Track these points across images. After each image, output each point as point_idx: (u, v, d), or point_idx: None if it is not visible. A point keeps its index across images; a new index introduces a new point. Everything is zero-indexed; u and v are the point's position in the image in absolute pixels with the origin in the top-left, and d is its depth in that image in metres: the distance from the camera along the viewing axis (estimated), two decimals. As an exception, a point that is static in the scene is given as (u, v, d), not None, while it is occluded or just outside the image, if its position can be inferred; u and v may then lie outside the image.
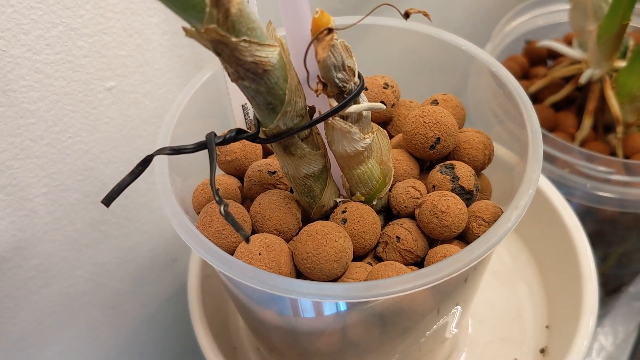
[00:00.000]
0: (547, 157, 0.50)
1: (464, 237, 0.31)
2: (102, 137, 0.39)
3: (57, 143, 0.37)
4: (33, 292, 0.41)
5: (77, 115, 0.37)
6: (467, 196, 0.31)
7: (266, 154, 0.35)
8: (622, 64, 0.52)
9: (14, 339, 0.41)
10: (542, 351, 0.41)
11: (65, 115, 0.36)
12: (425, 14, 0.24)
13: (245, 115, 0.36)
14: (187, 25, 0.22)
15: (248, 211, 0.30)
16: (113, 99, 0.39)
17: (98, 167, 0.40)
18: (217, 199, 0.24)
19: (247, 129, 0.37)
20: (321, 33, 0.24)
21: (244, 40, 0.22)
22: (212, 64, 0.35)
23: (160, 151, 0.26)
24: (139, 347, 0.53)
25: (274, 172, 0.32)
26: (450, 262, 0.25)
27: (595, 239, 0.51)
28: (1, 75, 0.32)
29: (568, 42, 0.61)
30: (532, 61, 0.62)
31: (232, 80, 0.24)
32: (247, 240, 0.22)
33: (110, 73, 0.38)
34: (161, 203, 0.47)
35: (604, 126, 0.55)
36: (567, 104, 0.57)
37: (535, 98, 0.58)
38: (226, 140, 0.26)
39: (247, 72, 0.23)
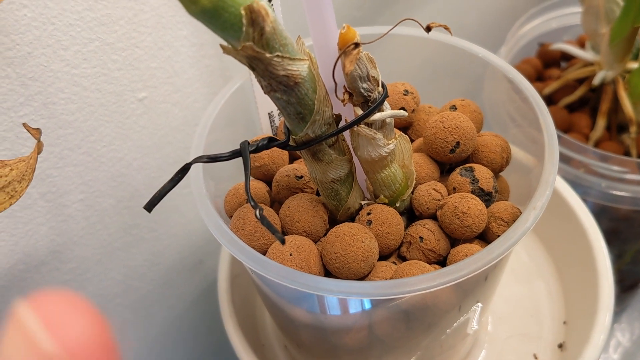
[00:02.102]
0: (563, 158, 0.51)
1: (484, 237, 0.32)
2: (134, 145, 0.41)
3: (93, 151, 0.39)
4: (69, 294, 0.43)
5: (111, 125, 0.39)
6: (487, 197, 0.32)
7: (292, 159, 0.37)
8: (634, 65, 0.53)
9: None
10: (560, 346, 0.42)
11: (101, 125, 0.38)
12: (446, 28, 0.26)
13: (271, 123, 0.38)
14: (224, 43, 0.24)
15: (277, 214, 0.32)
16: (145, 108, 0.40)
17: (131, 173, 0.42)
18: (252, 203, 0.25)
19: (274, 135, 0.38)
20: (348, 47, 0.25)
21: (277, 56, 0.24)
22: (240, 74, 0.36)
23: (198, 159, 0.27)
24: (169, 346, 0.55)
25: (301, 177, 0.34)
26: (472, 260, 0.26)
27: (611, 237, 0.52)
28: (42, 89, 0.34)
29: (581, 44, 0.62)
30: (545, 63, 0.64)
31: (265, 93, 0.26)
32: (283, 242, 0.23)
33: (142, 84, 0.39)
34: (189, 207, 0.49)
35: (618, 126, 0.56)
36: (581, 105, 0.58)
37: (550, 100, 0.59)
38: (259, 148, 0.28)
39: (279, 85, 0.25)
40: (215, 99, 0.35)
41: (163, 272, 0.50)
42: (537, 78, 0.63)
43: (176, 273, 0.52)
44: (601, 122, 0.55)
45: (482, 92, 0.48)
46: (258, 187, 0.34)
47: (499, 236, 0.28)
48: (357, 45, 0.25)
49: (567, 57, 0.63)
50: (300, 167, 0.34)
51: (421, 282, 0.26)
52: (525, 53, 0.63)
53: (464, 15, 0.75)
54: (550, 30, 0.64)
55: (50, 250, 0.40)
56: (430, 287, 0.26)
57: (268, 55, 0.24)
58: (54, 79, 0.34)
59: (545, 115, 0.32)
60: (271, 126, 0.38)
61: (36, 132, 0.30)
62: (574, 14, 0.63)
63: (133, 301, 0.49)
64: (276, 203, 0.35)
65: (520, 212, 0.31)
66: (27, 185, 0.27)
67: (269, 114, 0.37)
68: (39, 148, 0.29)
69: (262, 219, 0.24)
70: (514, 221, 0.29)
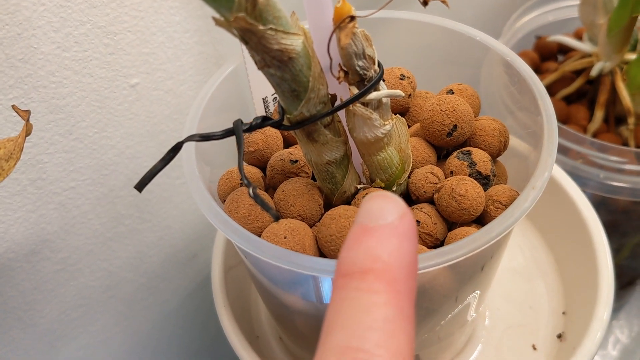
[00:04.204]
0: (560, 149, 0.51)
1: (482, 221, 0.32)
2: (126, 132, 0.41)
3: (85, 138, 0.38)
4: (60, 285, 0.42)
5: (103, 111, 0.38)
6: (484, 181, 0.32)
7: (287, 144, 0.36)
8: (632, 56, 0.53)
9: (42, 332, 0.43)
10: (559, 337, 0.42)
11: (92, 111, 0.38)
12: (443, 1, 0.25)
13: (265, 109, 0.37)
14: (216, 15, 0.23)
15: (272, 199, 0.31)
16: (137, 95, 0.40)
17: (123, 162, 0.41)
18: (245, 182, 0.25)
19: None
20: (343, 21, 0.25)
21: (271, 29, 0.23)
22: (233, 58, 0.36)
23: (190, 138, 0.27)
24: (164, 341, 0.54)
25: (296, 161, 0.33)
26: (471, 240, 0.26)
27: (609, 230, 0.51)
28: (32, 72, 0.33)
29: (578, 37, 0.62)
30: (542, 56, 0.63)
31: (259, 68, 0.25)
32: (277, 219, 0.23)
33: (135, 70, 0.39)
34: (183, 199, 0.48)
35: (616, 118, 0.56)
36: (578, 97, 0.58)
37: (547, 92, 0.59)
38: (252, 127, 0.27)
39: (272, 60, 0.24)
40: (207, 82, 0.34)
41: (157, 265, 0.50)
42: (535, 71, 0.62)
43: (170, 266, 0.51)
44: (599, 114, 0.54)
45: (479, 81, 0.48)
46: (252, 172, 0.34)
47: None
48: (352, 18, 0.25)
49: (564, 50, 0.63)
50: (295, 151, 0.34)
51: (420, 262, 0.25)
52: (522, 46, 0.63)
53: (460, 8, 0.75)
54: (547, 23, 0.64)
55: (41, 239, 0.39)
56: (429, 267, 0.25)
57: (261, 27, 0.23)
58: (44, 62, 0.34)
59: (543, 97, 0.32)
60: (265, 112, 0.37)
61: (25, 114, 0.29)
62: (570, 7, 0.63)
63: (126, 294, 0.48)
64: (270, 189, 0.34)
65: (519, 195, 0.30)
66: (15, 164, 0.26)
67: (263, 99, 0.37)
68: (28, 129, 0.29)
69: (256, 197, 0.24)
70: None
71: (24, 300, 0.40)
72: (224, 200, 0.33)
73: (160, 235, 0.48)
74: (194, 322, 0.57)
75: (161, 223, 0.48)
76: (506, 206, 0.30)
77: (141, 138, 0.42)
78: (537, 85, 0.32)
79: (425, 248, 0.29)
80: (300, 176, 0.33)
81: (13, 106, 0.29)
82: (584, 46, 0.57)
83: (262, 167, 0.35)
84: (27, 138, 0.33)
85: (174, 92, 0.42)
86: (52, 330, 0.43)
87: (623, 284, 0.67)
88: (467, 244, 0.26)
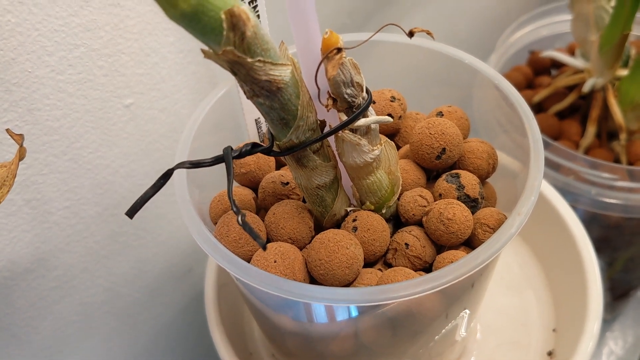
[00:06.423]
0: (552, 165, 0.51)
1: (470, 244, 0.32)
2: (121, 152, 0.41)
3: (79, 158, 0.38)
4: (55, 302, 0.42)
5: (98, 132, 0.39)
6: (473, 204, 0.32)
7: (279, 166, 0.37)
8: (624, 72, 0.54)
9: (38, 348, 0.43)
10: (550, 354, 0.42)
11: (87, 131, 0.38)
12: (429, 33, 0.26)
13: (258, 129, 0.38)
14: (205, 47, 0.24)
15: (263, 221, 0.32)
16: (131, 115, 0.40)
17: (117, 180, 0.42)
18: (234, 209, 0.25)
19: (260, 142, 0.38)
20: (331, 52, 0.25)
21: (259, 61, 0.24)
22: (226, 80, 0.36)
23: (180, 165, 0.27)
24: (156, 355, 0.55)
25: (287, 183, 0.33)
26: (457, 266, 0.26)
27: (602, 245, 0.52)
28: (27, 95, 0.34)
29: (571, 52, 0.62)
30: (536, 71, 0.64)
31: (248, 98, 0.26)
32: (264, 248, 0.23)
33: (129, 91, 0.39)
34: (177, 215, 0.48)
35: (608, 134, 0.56)
36: (571, 112, 0.58)
37: (540, 107, 0.59)
38: (242, 154, 0.28)
39: (261, 90, 0.25)
40: (200, 104, 0.35)
41: (151, 280, 0.50)
42: (528, 85, 0.63)
43: (165, 281, 0.51)
44: (591, 129, 0.55)
45: (470, 100, 0.48)
46: (244, 193, 0.34)
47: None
48: (339, 50, 0.25)
49: (558, 65, 0.63)
50: (287, 173, 0.34)
51: (406, 289, 0.25)
52: (515, 61, 0.64)
53: (454, 23, 0.75)
54: (540, 38, 0.64)
55: (36, 257, 0.39)
56: (415, 294, 0.25)
57: (249, 60, 0.23)
58: (38, 85, 0.34)
59: (530, 121, 0.32)
60: (258, 133, 0.38)
61: (19, 138, 0.30)
62: (564, 22, 0.63)
63: (120, 309, 0.48)
64: (262, 210, 0.35)
65: (507, 219, 0.31)
66: (8, 191, 0.26)
67: (255, 120, 0.37)
68: (22, 154, 0.29)
69: (244, 225, 0.24)
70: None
71: (20, 317, 0.40)
72: (216, 222, 0.33)
73: (155, 252, 0.49)
74: (189, 335, 0.58)
75: (156, 239, 0.48)
76: (494, 229, 0.31)
77: (135, 157, 0.42)
78: (524, 108, 0.33)
79: (413, 272, 0.29)
80: (292, 198, 0.33)
81: (7, 130, 0.30)
82: (577, 62, 0.57)
83: (254, 188, 0.35)
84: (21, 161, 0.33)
85: (168, 110, 0.43)
86: (47, 347, 0.44)
87: (617, 296, 0.68)
88: (453, 270, 0.26)
